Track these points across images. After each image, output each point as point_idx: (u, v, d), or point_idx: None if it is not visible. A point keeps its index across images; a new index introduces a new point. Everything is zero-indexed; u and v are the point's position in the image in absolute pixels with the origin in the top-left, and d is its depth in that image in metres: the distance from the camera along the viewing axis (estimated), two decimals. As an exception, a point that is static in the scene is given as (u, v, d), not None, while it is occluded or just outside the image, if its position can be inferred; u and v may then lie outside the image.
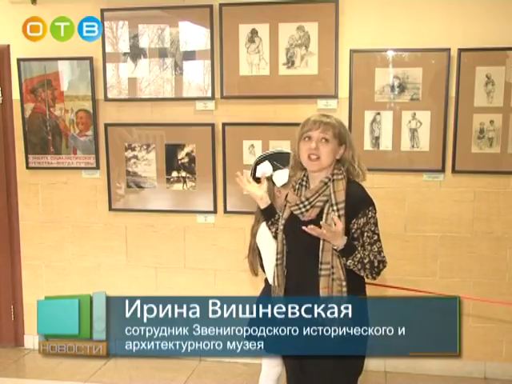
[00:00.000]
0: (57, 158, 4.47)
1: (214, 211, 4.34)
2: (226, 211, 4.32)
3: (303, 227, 2.63)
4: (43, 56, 4.31)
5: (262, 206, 2.97)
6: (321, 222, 2.62)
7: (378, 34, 3.97)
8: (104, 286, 4.54)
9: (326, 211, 2.69)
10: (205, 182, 4.31)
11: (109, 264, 4.57)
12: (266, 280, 3.14)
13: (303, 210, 2.74)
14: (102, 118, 4.39)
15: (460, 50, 3.87)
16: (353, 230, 2.68)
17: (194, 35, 4.17)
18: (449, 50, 3.88)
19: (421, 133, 4.00)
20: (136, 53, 4.26)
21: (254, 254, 3.15)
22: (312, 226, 2.60)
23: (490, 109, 3.91)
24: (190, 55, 4.21)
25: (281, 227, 2.86)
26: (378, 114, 4.00)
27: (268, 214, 2.97)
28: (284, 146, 3.98)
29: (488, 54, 3.85)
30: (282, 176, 3.08)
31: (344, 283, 2.67)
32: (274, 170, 3.08)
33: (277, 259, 2.86)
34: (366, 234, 2.67)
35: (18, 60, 4.37)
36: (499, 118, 3.91)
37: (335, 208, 2.66)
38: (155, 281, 4.51)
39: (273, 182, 3.08)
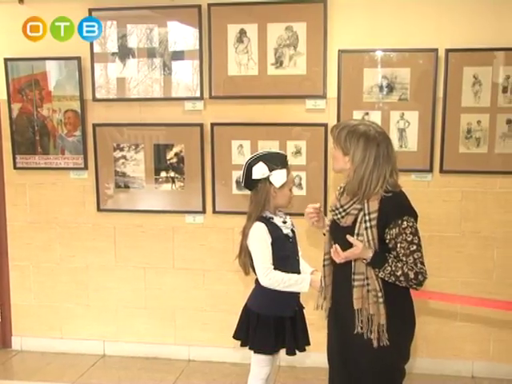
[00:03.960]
0: (44, 159, 4.45)
1: (203, 211, 4.33)
2: (214, 211, 4.31)
3: (333, 246, 2.70)
4: (31, 56, 4.29)
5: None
6: (335, 250, 2.68)
7: (366, 35, 3.98)
8: (92, 287, 4.56)
9: (359, 220, 2.68)
10: (193, 182, 4.30)
11: (97, 265, 4.55)
12: (257, 280, 3.15)
13: (339, 216, 2.75)
14: (91, 118, 4.37)
15: (447, 51, 3.88)
16: (387, 241, 2.66)
17: (182, 35, 4.16)
18: (436, 50, 3.89)
19: (409, 133, 4.01)
20: (124, 53, 4.25)
21: (246, 253, 3.15)
22: (333, 251, 2.68)
23: (477, 109, 3.93)
24: (178, 55, 4.20)
25: (327, 228, 2.90)
26: (367, 113, 4.01)
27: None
28: (273, 146, 4.01)
29: (475, 54, 3.87)
30: (280, 176, 3.08)
31: (380, 294, 2.65)
32: (270, 171, 3.08)
33: (324, 260, 2.89)
34: (399, 245, 2.63)
35: (5, 59, 4.34)
36: (486, 118, 3.93)
37: (367, 218, 2.65)
38: (144, 281, 4.50)
39: (269, 182, 3.08)
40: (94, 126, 4.35)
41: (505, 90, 3.88)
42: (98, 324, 4.61)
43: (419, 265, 2.62)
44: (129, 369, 4.42)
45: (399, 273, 2.60)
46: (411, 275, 2.60)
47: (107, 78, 4.31)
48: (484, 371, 4.19)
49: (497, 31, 3.84)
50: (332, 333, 2.92)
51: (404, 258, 2.62)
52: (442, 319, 4.18)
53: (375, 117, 3.97)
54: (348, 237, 2.65)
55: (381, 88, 3.99)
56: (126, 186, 4.39)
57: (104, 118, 4.36)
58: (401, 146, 4.00)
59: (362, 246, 2.62)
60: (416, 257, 2.62)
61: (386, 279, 2.64)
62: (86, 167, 4.42)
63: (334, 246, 2.70)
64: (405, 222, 2.63)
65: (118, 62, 4.26)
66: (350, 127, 2.71)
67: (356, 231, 2.68)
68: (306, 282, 3.08)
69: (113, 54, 4.26)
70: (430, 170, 4.04)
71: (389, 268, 2.61)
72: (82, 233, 4.53)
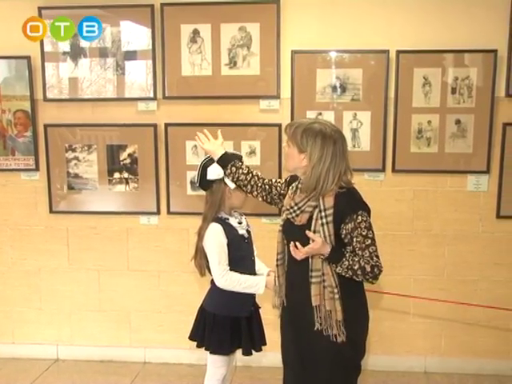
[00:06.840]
0: (-6, 160, 4.37)
1: (158, 212, 4.31)
2: (169, 212, 4.29)
3: (291, 244, 2.71)
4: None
5: (216, 158, 3.10)
6: (294, 247, 2.69)
7: (319, 35, 4.01)
8: (45, 290, 4.48)
9: (314, 217, 2.70)
10: (147, 183, 4.27)
11: (50, 268, 4.47)
12: (212, 281, 3.15)
13: (293, 214, 2.76)
14: (42, 119, 4.29)
15: (398, 52, 3.94)
16: (342, 236, 2.68)
17: (135, 35, 4.13)
18: (387, 51, 3.95)
19: (361, 133, 4.06)
20: (76, 52, 4.19)
21: (201, 255, 3.15)
22: (292, 248, 2.69)
23: (427, 109, 4.00)
24: (131, 55, 4.16)
25: (279, 228, 2.89)
26: (320, 114, 4.04)
27: (223, 162, 3.09)
28: (227, 147, 3.99)
29: (425, 56, 3.94)
30: None
31: (336, 290, 2.68)
32: None
33: (277, 259, 2.90)
34: (355, 240, 2.65)
35: (-48, 58, 4.24)
36: (436, 118, 4.00)
37: (323, 214, 2.67)
38: (98, 283, 4.45)
39: (224, 183, 3.08)
40: (46, 126, 4.27)
41: (453, 91, 3.97)
42: (52, 328, 4.54)
43: (375, 258, 2.65)
44: (83, 372, 4.36)
45: (356, 267, 2.63)
46: (368, 268, 2.63)
47: (59, 78, 4.24)
48: (436, 366, 4.28)
49: (446, 34, 3.92)
50: (287, 331, 2.94)
51: (360, 252, 2.65)
52: (395, 316, 4.24)
53: (328, 117, 4.00)
54: (307, 232, 2.67)
55: (334, 88, 4.03)
56: (79, 188, 4.33)
57: (56, 119, 4.28)
58: (354, 146, 4.05)
59: (321, 241, 2.64)
60: (371, 250, 2.65)
61: (344, 274, 2.67)
62: (37, 168, 4.34)
63: (292, 243, 2.71)
64: (359, 217, 2.66)
65: (70, 61, 4.20)
66: (305, 125, 2.73)
67: (312, 228, 2.69)
68: (261, 284, 3.10)
69: (64, 53, 4.20)
70: (383, 170, 4.10)
71: (346, 262, 2.64)
72: (33, 235, 4.45)
